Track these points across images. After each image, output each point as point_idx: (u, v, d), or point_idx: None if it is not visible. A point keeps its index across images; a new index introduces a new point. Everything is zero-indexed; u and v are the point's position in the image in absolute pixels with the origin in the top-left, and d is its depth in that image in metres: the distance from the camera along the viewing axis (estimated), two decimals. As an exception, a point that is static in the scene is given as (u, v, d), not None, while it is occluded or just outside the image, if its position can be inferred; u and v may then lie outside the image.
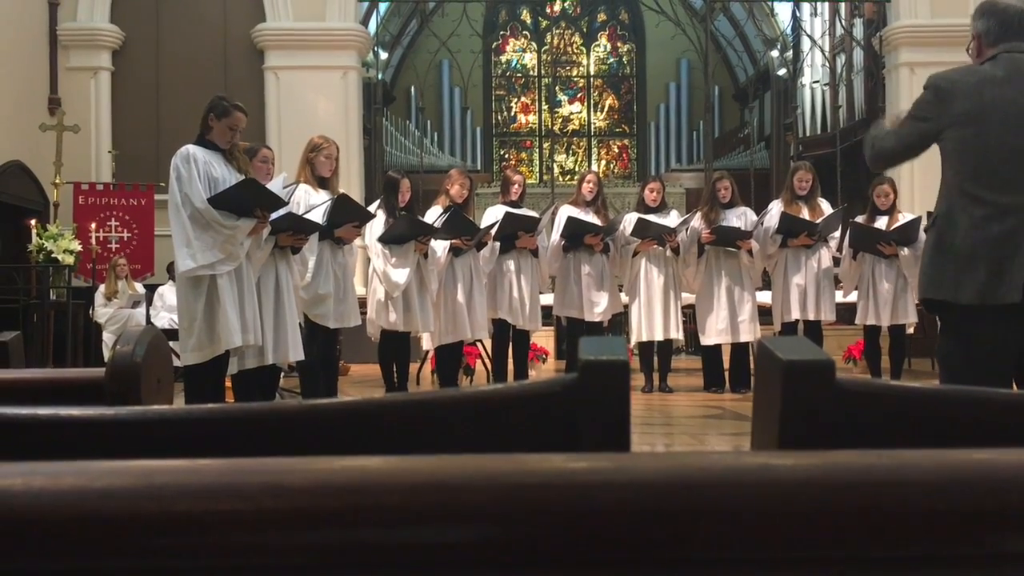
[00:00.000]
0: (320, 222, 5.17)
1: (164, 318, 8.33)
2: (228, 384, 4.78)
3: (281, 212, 4.78)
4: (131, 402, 1.15)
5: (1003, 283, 2.56)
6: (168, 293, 8.40)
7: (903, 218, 6.65)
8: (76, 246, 8.87)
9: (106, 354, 8.12)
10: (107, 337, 8.47)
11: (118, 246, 9.60)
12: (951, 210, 2.66)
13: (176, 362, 4.16)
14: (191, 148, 4.36)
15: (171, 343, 2.27)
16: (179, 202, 4.31)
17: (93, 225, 9.29)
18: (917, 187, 9.25)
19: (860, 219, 6.81)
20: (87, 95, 10.36)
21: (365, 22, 11.98)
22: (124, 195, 9.79)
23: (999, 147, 2.62)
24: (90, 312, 8.62)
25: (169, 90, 10.25)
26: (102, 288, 8.68)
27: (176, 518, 0.51)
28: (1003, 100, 2.62)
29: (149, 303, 8.72)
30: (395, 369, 6.13)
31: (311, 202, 5.26)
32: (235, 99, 4.55)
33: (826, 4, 13.54)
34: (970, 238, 2.60)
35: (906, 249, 6.55)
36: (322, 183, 5.48)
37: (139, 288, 8.95)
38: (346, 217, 5.44)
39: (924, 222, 6.41)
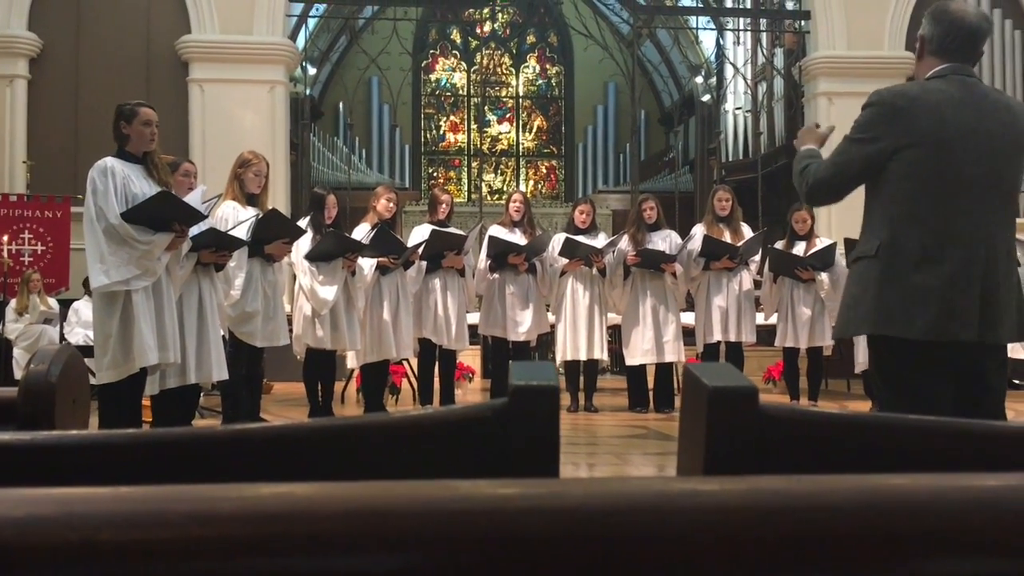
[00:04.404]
0: (245, 238, 5.08)
1: (79, 334, 8.09)
2: (147, 403, 4.65)
3: (203, 228, 4.68)
4: (44, 423, 1.11)
5: (957, 318, 2.38)
6: (84, 308, 8.17)
7: (820, 243, 6.86)
8: (-13, 259, 8.56)
9: (16, 371, 7.84)
10: (18, 353, 8.18)
11: (31, 259, 9.29)
12: (897, 239, 2.42)
13: (92, 380, 4.04)
14: (109, 161, 4.25)
15: (87, 361, 2.21)
16: (94, 216, 4.19)
17: (5, 237, 8.97)
18: (835, 212, 9.54)
19: (780, 244, 7.02)
20: (2, 104, 10.03)
21: (293, 37, 11.88)
22: (39, 207, 9.49)
23: (957, 173, 2.40)
24: None
25: (89, 100, 9.97)
26: (13, 303, 8.38)
27: (99, 548, 0.50)
28: (964, 124, 2.41)
29: (63, 319, 8.46)
30: (320, 388, 6.05)
31: (239, 218, 5.17)
32: (158, 111, 4.45)
33: (748, 33, 13.92)
34: (923, 269, 2.39)
35: (823, 274, 6.76)
36: (251, 200, 5.40)
37: (52, 303, 8.67)
38: (274, 233, 5.36)
39: (840, 247, 6.62)
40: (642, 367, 6.92)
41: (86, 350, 5.21)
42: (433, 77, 18.68)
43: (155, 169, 4.35)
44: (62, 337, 8.13)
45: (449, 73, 18.74)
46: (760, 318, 7.23)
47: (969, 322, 2.39)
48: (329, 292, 5.79)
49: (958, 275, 2.38)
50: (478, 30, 18.23)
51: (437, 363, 6.66)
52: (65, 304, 8.69)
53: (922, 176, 2.41)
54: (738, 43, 14.31)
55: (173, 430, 0.75)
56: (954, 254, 2.39)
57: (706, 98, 15.35)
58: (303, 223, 5.90)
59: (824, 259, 6.73)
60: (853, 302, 2.50)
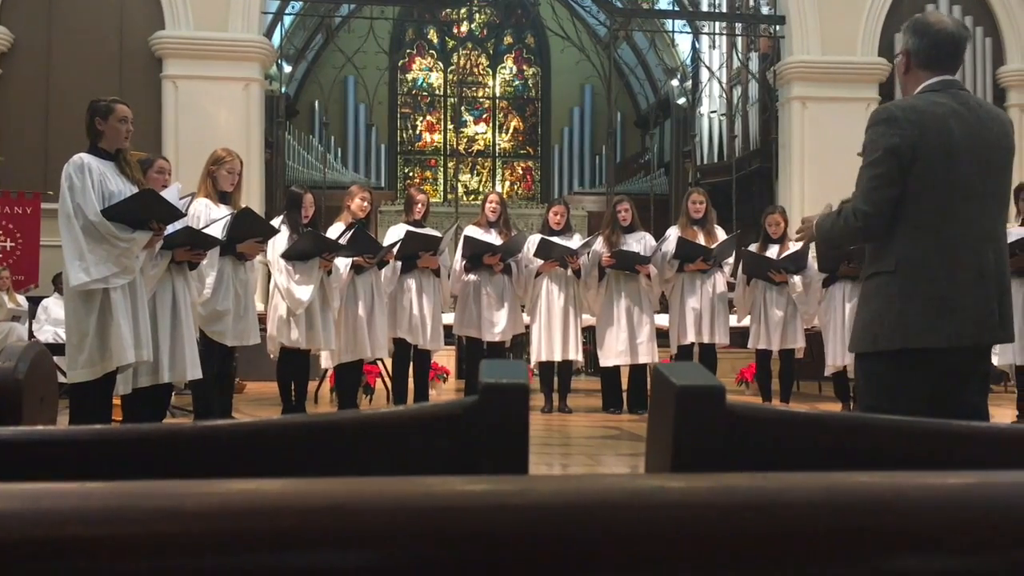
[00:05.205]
0: (219, 237, 5.05)
1: (48, 332, 8.00)
2: (117, 402, 4.61)
3: (178, 226, 4.64)
4: (11, 421, 1.10)
5: (981, 322, 2.46)
6: (53, 306, 8.07)
7: (793, 246, 6.91)
8: (-46, 255, 8.45)
9: (-16, 369, 7.73)
10: (-15, 351, 8.07)
11: (0, 256, 9.18)
12: (913, 251, 2.47)
13: (61, 379, 3.99)
14: (84, 157, 4.20)
15: (56, 359, 2.19)
16: (71, 213, 4.13)
17: (-27, 234, 8.86)
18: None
19: (753, 247, 7.07)
20: (-29, 98, 9.90)
21: (269, 34, 11.81)
22: (8, 203, 9.38)
23: (963, 183, 2.47)
24: (-33, 325, 8.20)
25: (60, 96, 9.85)
26: (-18, 300, 8.28)
27: (65, 543, 0.50)
28: (967, 135, 2.47)
29: (32, 316, 8.36)
30: (293, 387, 6.02)
31: (212, 216, 5.14)
32: (131, 107, 4.41)
33: (724, 37, 14.00)
34: (942, 278, 2.45)
35: (796, 277, 6.82)
36: (223, 197, 5.37)
37: (21, 301, 8.57)
38: (248, 232, 5.33)
39: (812, 251, 6.68)
40: (616, 368, 6.95)
41: (56, 348, 5.15)
42: (410, 77, 18.63)
43: (127, 166, 4.31)
44: (31, 335, 8.04)
45: (426, 73, 18.70)
46: (733, 320, 7.28)
47: (993, 324, 2.48)
48: (305, 292, 5.76)
49: (976, 281, 2.46)
50: (455, 30, 18.22)
51: (411, 363, 6.65)
52: (34, 302, 8.58)
53: (931, 187, 2.47)
54: (713, 47, 14.39)
55: (141, 426, 0.75)
56: (968, 261, 2.47)
57: (681, 101, 15.42)
58: (277, 222, 5.87)
59: (797, 262, 6.78)
60: (877, 317, 2.51)
